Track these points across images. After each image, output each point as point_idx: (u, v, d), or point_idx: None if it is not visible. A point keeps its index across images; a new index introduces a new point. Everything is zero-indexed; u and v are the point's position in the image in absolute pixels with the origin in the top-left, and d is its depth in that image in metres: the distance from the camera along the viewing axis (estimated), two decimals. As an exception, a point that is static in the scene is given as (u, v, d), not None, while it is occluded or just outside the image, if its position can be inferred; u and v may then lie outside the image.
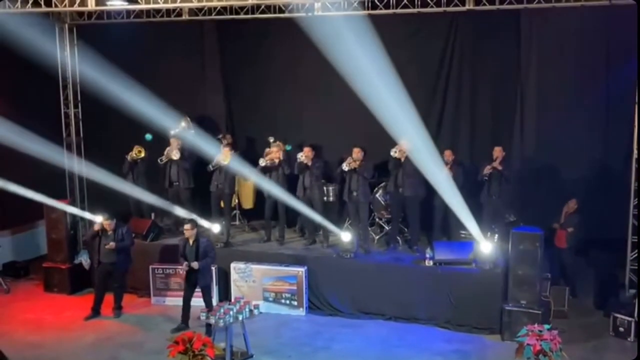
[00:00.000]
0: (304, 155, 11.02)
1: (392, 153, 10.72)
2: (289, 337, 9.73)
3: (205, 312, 9.06)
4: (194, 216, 10.66)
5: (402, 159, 10.69)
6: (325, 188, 11.57)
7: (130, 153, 11.82)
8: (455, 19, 11.71)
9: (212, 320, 8.73)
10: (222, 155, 11.27)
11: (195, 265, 9.64)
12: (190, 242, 9.81)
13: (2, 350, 8.23)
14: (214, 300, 10.54)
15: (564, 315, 10.02)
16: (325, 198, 11.56)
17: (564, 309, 10.07)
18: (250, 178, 11.82)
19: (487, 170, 10.72)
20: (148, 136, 11.91)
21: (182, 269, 9.91)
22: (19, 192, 10.77)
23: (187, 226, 9.81)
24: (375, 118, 12.42)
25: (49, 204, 11.40)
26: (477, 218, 11.21)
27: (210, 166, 11.35)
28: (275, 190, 11.24)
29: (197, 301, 9.94)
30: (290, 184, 11.52)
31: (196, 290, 9.96)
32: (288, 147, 11.90)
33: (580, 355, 8.68)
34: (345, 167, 10.69)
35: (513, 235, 9.51)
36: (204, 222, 11.18)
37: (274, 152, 11.35)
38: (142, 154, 11.87)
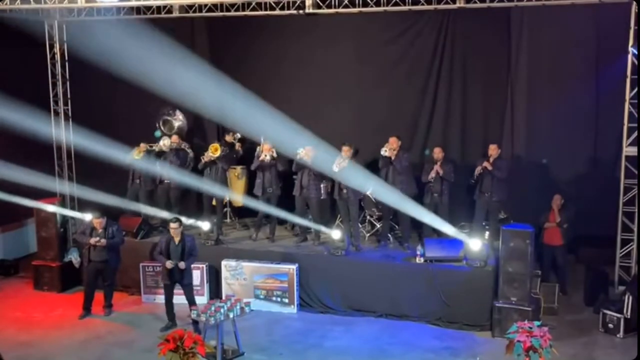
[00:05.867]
0: (304, 154, 11.00)
1: (382, 152, 10.72)
2: (281, 335, 9.72)
3: (195, 309, 9.04)
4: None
5: (392, 158, 10.69)
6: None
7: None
8: (446, 16, 11.72)
9: (202, 318, 8.72)
10: (210, 150, 11.24)
11: (182, 265, 9.60)
12: (176, 240, 9.76)
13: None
14: (205, 298, 10.55)
15: (554, 312, 10.05)
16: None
17: (554, 305, 10.10)
18: (243, 174, 11.85)
19: (477, 171, 10.76)
20: (157, 133, 11.93)
21: (166, 266, 9.70)
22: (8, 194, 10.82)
23: (174, 225, 9.75)
24: (365, 116, 12.53)
25: (38, 205, 11.40)
26: (469, 215, 11.27)
27: (202, 159, 11.31)
28: (269, 187, 11.30)
29: (181, 299, 9.91)
30: (285, 182, 11.56)
31: (176, 287, 9.93)
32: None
33: (570, 352, 8.73)
34: (335, 169, 10.68)
35: (503, 233, 9.52)
36: (193, 221, 11.19)
37: (267, 149, 11.31)
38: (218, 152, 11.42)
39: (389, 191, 10.68)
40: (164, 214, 11.54)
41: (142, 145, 11.96)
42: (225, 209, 12.57)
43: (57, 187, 12.60)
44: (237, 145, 12.31)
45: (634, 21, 9.58)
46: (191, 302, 9.70)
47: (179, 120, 12.76)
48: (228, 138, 12.31)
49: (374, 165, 11.30)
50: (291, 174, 11.46)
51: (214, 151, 11.29)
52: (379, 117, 12.35)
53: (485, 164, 10.70)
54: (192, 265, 10.02)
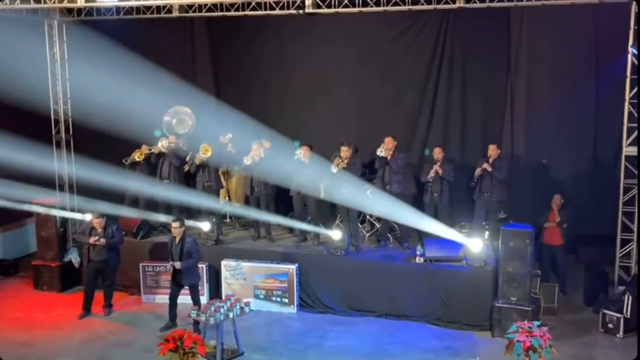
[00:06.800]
0: (302, 154, 10.99)
1: (378, 152, 10.70)
2: (280, 335, 9.72)
3: (195, 309, 9.04)
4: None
5: (388, 158, 10.67)
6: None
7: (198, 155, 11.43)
8: (446, 16, 11.74)
9: (202, 318, 8.72)
10: (201, 151, 11.22)
11: (178, 265, 9.61)
12: (177, 240, 9.78)
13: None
14: (205, 298, 10.54)
15: (554, 312, 10.05)
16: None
17: (553, 305, 10.10)
18: (235, 171, 11.88)
19: (477, 172, 10.76)
20: (157, 133, 11.91)
21: (167, 266, 9.87)
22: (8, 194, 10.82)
23: (174, 224, 9.77)
24: (365, 116, 12.54)
25: (37, 205, 11.41)
26: (469, 215, 11.27)
27: (195, 162, 11.30)
28: (257, 187, 11.27)
29: (185, 299, 9.92)
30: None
31: (183, 288, 9.93)
32: (296, 144, 11.82)
33: (569, 352, 8.73)
34: (334, 169, 10.66)
35: (503, 233, 9.52)
36: (193, 222, 11.18)
37: (255, 149, 11.28)
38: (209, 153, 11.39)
39: (384, 198, 10.68)
40: (162, 216, 11.55)
41: (144, 147, 11.92)
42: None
43: (56, 187, 12.59)
44: (230, 147, 12.26)
45: (634, 21, 9.58)
46: (195, 302, 9.71)
47: (192, 119, 12.69)
48: (222, 139, 12.27)
49: (373, 165, 11.31)
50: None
51: (205, 152, 11.25)
52: (378, 116, 12.35)
53: (485, 165, 10.69)
54: (192, 265, 10.03)
